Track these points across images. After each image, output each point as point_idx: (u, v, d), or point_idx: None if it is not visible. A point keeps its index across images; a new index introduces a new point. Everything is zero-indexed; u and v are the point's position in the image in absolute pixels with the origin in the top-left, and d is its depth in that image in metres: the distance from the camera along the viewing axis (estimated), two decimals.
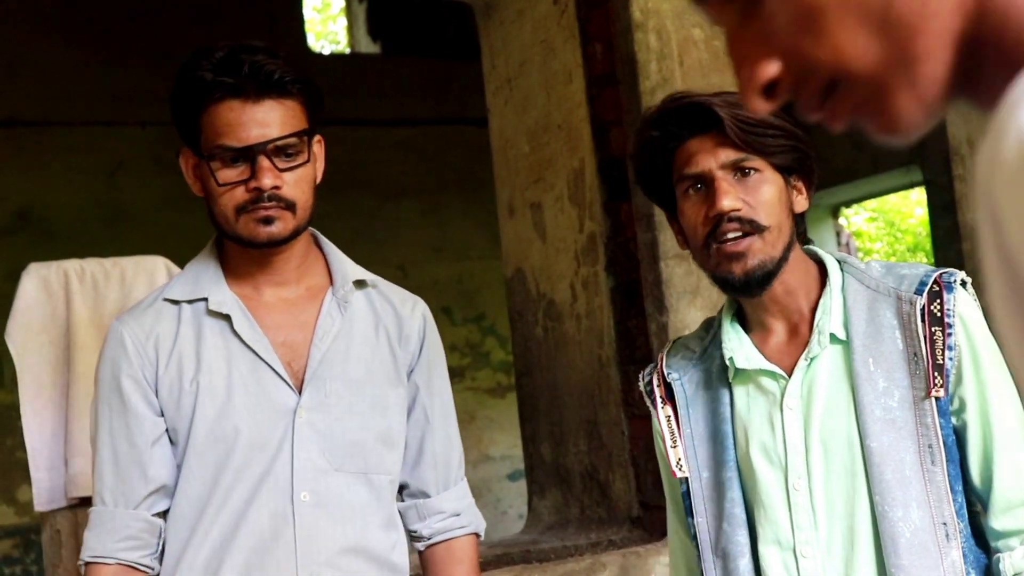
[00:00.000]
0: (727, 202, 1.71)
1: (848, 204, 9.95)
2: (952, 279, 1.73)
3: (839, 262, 1.82)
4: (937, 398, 1.69)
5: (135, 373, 1.95)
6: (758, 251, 1.71)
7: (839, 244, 9.36)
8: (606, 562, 3.26)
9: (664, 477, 1.96)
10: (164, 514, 1.95)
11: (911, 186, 8.23)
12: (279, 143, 1.89)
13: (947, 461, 1.69)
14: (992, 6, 0.66)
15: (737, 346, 1.81)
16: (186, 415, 1.92)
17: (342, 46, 13.37)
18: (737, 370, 1.82)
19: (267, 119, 1.89)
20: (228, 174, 1.90)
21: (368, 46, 9.41)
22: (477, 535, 2.13)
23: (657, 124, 1.80)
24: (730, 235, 1.71)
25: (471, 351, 8.56)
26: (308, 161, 1.94)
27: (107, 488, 1.94)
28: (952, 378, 1.70)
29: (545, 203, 3.86)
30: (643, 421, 2.88)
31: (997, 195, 0.59)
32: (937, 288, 1.72)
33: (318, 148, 2.01)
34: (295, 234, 1.95)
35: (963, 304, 1.72)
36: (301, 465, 1.91)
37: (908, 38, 0.67)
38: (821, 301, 1.77)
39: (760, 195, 1.73)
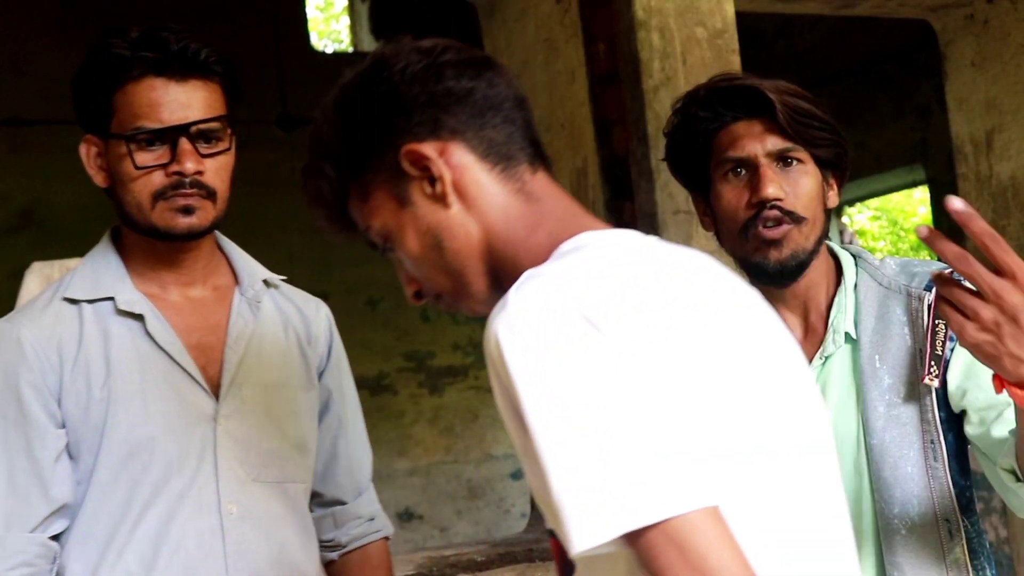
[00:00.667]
0: (772, 190, 1.68)
1: (852, 203, 9.96)
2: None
3: (854, 258, 1.81)
4: (930, 389, 1.67)
5: (36, 380, 1.74)
6: (794, 241, 1.70)
7: (842, 243, 9.36)
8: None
9: None
10: (58, 536, 1.74)
11: (914, 185, 8.23)
12: (202, 127, 1.77)
13: (948, 456, 1.67)
14: (497, 254, 1.21)
15: None
16: (96, 426, 1.74)
17: (345, 45, 13.37)
18: None
19: (190, 100, 1.76)
20: (146, 157, 1.75)
21: (371, 44, 9.40)
22: (387, 538, 2.05)
23: (705, 104, 1.77)
24: (771, 222, 1.70)
25: (474, 350, 8.56)
26: (230, 149, 1.83)
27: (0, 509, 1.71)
28: (950, 369, 1.67)
29: None
30: None
31: (495, 370, 1.05)
32: None
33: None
34: (213, 227, 1.84)
35: None
36: (225, 476, 1.77)
37: (459, 276, 1.24)
38: (836, 299, 1.75)
39: (801, 186, 1.71)
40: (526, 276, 1.09)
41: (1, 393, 1.75)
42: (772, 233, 1.69)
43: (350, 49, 10.74)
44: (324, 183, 1.32)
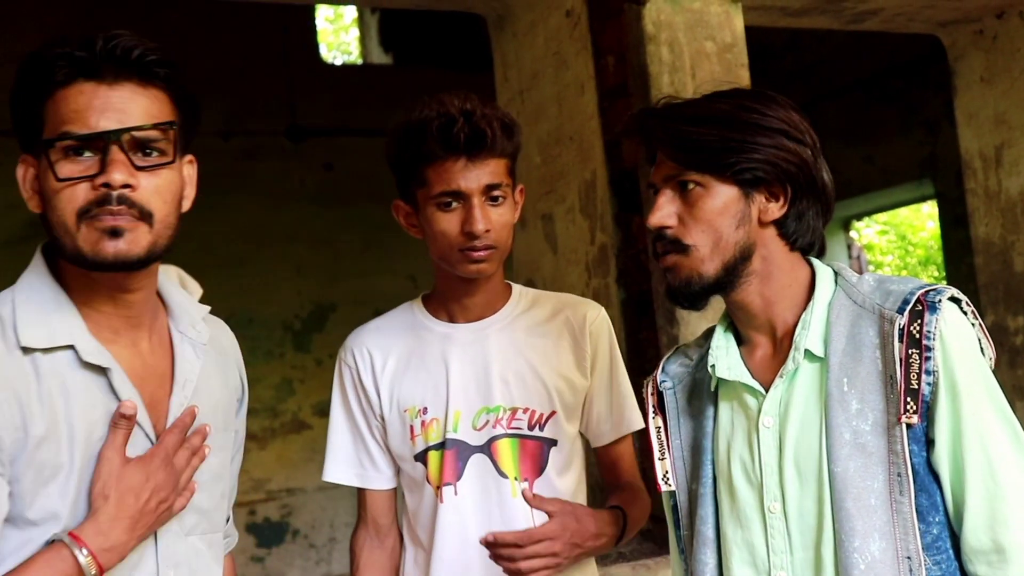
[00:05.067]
0: (654, 219, 1.70)
1: (859, 217, 9.95)
2: (938, 298, 1.62)
3: (836, 273, 1.75)
4: (909, 425, 1.59)
5: None
6: (684, 268, 1.68)
7: (850, 257, 9.34)
8: (616, 574, 3.25)
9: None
10: None
11: (923, 199, 8.23)
12: (138, 135, 1.53)
13: (917, 492, 1.59)
14: None
15: (722, 355, 1.76)
16: (69, 496, 1.54)
17: (354, 57, 13.40)
18: (720, 380, 1.76)
19: (125, 106, 1.53)
20: (70, 168, 1.51)
21: (380, 57, 9.43)
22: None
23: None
24: (661, 252, 1.71)
25: None
26: (173, 162, 1.57)
27: None
28: (929, 405, 1.59)
29: (556, 214, 3.86)
30: None
31: None
32: (920, 307, 1.61)
33: (189, 169, 1.67)
34: (150, 256, 1.56)
35: (948, 325, 1.60)
36: (164, 538, 1.63)
37: None
38: (802, 315, 1.70)
39: (695, 211, 1.68)
40: None
41: None
42: (663, 262, 1.70)
43: (359, 61, 10.76)
44: None
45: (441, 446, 2.09)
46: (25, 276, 1.63)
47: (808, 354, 1.68)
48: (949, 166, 6.55)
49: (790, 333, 1.71)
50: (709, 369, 1.76)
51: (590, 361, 2.16)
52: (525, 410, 2.10)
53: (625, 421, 2.20)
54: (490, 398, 2.09)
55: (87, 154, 1.51)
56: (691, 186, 1.68)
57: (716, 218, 1.67)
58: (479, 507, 2.08)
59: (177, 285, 1.77)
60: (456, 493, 2.08)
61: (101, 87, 1.53)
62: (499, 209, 2.03)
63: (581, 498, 2.17)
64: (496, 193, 2.02)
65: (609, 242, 3.54)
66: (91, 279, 1.58)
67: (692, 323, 3.28)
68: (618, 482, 2.23)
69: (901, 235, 16.00)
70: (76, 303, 1.59)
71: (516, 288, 2.21)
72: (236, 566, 2.00)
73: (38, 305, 1.58)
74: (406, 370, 2.14)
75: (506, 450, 2.09)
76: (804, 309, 1.72)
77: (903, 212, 14.32)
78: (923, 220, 15.27)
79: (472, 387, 2.10)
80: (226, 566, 1.90)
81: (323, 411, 7.59)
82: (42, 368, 1.53)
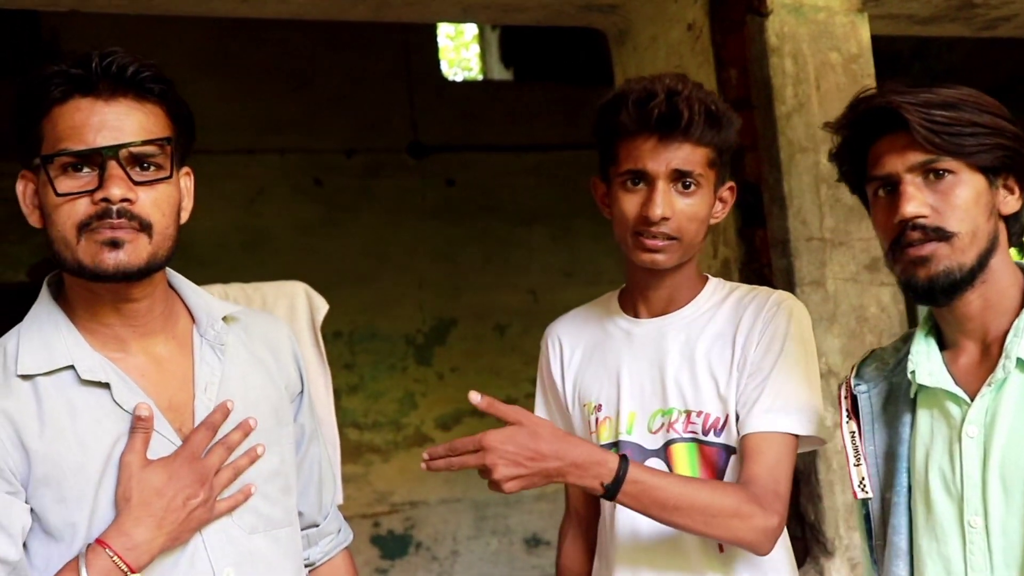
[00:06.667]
0: (910, 208, 1.60)
1: None
2: None
3: None
4: None
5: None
6: (944, 257, 1.59)
7: None
8: None
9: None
10: None
11: None
12: (135, 150, 1.58)
13: None
14: None
15: (923, 360, 1.67)
16: (86, 507, 1.59)
17: (475, 73, 13.51)
18: (920, 387, 1.67)
19: (121, 122, 1.58)
20: (70, 183, 1.57)
21: (501, 72, 9.49)
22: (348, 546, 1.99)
23: (849, 125, 1.72)
24: (915, 241, 1.61)
25: None
26: (170, 177, 1.63)
27: None
28: None
29: None
30: None
31: None
32: None
33: (187, 181, 1.72)
34: (151, 266, 1.61)
35: None
36: (215, 538, 1.66)
37: None
38: (1015, 322, 1.62)
39: (951, 199, 1.60)
40: None
41: None
42: (915, 252, 1.61)
43: (480, 77, 10.85)
44: None
45: (613, 446, 1.99)
46: (33, 308, 1.69)
47: (1020, 363, 1.59)
48: None
49: (1000, 339, 1.63)
50: (908, 375, 1.67)
51: (755, 345, 1.96)
52: (699, 413, 1.96)
53: (775, 416, 1.91)
54: (665, 400, 1.98)
55: (85, 170, 1.57)
56: (944, 173, 1.61)
57: (972, 207, 1.61)
58: None
59: (196, 287, 1.79)
60: None
61: (98, 103, 1.57)
62: (688, 199, 1.92)
63: None
64: (687, 181, 1.90)
65: (732, 256, 3.50)
66: (94, 294, 1.63)
67: (817, 338, 3.22)
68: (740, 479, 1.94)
69: None
70: (81, 320, 1.65)
71: (712, 283, 2.07)
72: (355, 565, 2.00)
73: (40, 332, 1.64)
74: (589, 363, 2.08)
75: (683, 455, 1.96)
76: (1016, 315, 1.63)
77: None
78: None
79: (648, 387, 2.01)
80: (340, 564, 1.94)
81: (445, 424, 7.65)
82: (45, 390, 1.60)
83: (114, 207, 1.55)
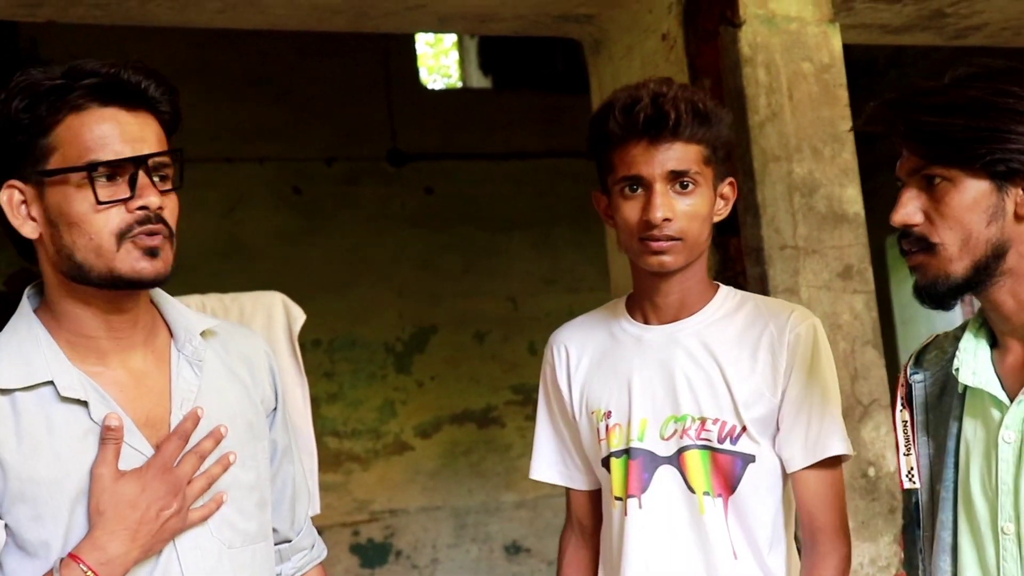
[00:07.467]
0: (896, 217, 1.58)
1: None
2: None
3: None
4: None
5: None
6: (931, 267, 1.57)
7: None
8: None
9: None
10: None
11: None
12: (156, 160, 1.60)
13: None
14: None
15: (969, 358, 1.63)
16: (61, 525, 1.58)
17: (454, 80, 13.53)
18: (965, 384, 1.63)
19: (143, 133, 1.60)
20: (107, 192, 1.56)
21: (479, 80, 9.52)
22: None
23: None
24: (905, 251, 1.60)
25: None
26: (181, 187, 1.65)
27: None
28: None
29: None
30: None
31: None
32: None
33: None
34: (171, 273, 1.64)
35: None
36: (189, 556, 1.64)
37: None
38: None
39: (942, 207, 1.56)
40: None
41: None
42: (910, 262, 1.60)
43: (459, 85, 10.87)
44: None
45: (624, 453, 1.99)
46: (11, 321, 1.67)
47: None
48: None
49: None
50: (953, 372, 1.64)
51: (785, 375, 1.96)
52: (715, 421, 1.95)
53: (821, 443, 1.94)
54: (677, 406, 1.97)
55: (118, 178, 1.57)
56: (937, 180, 1.56)
57: (965, 214, 1.55)
58: (667, 523, 1.97)
59: (174, 301, 1.78)
60: (641, 507, 1.97)
61: (121, 113, 1.58)
62: (688, 199, 1.92)
63: (783, 529, 2.01)
64: (684, 180, 1.91)
65: (707, 264, 3.53)
66: (86, 305, 1.62)
67: None
68: (807, 530, 1.98)
69: None
70: (62, 333, 1.63)
71: (723, 290, 2.08)
72: None
73: (19, 346, 1.62)
74: (597, 370, 2.07)
75: (696, 462, 1.95)
76: None
77: None
78: None
79: (660, 393, 1.99)
80: None
81: (425, 432, 7.66)
82: (23, 405, 1.58)
83: (152, 215, 1.57)
